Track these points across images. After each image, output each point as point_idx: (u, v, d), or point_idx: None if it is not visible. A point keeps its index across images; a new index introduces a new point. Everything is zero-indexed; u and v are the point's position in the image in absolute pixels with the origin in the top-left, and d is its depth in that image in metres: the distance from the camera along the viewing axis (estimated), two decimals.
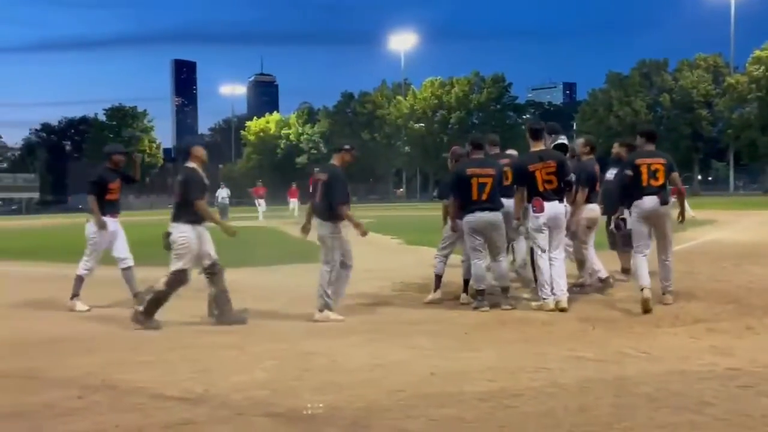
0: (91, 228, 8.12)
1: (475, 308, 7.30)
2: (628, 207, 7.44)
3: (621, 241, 8.26)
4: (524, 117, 79.91)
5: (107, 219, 8.04)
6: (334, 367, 5.06)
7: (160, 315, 6.77)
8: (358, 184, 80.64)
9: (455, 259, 8.28)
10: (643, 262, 7.15)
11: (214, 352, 5.64)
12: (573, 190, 7.68)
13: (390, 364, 5.07)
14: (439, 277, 7.98)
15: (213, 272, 6.87)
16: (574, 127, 74.74)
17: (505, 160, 8.17)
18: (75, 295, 7.91)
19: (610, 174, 8.61)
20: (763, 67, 60.61)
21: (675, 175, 7.46)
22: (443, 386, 4.46)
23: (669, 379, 4.49)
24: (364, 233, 7.16)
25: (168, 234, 6.82)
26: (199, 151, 7.06)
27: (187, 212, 6.79)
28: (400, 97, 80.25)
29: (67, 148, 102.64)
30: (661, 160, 7.36)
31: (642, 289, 6.90)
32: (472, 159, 7.61)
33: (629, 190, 7.32)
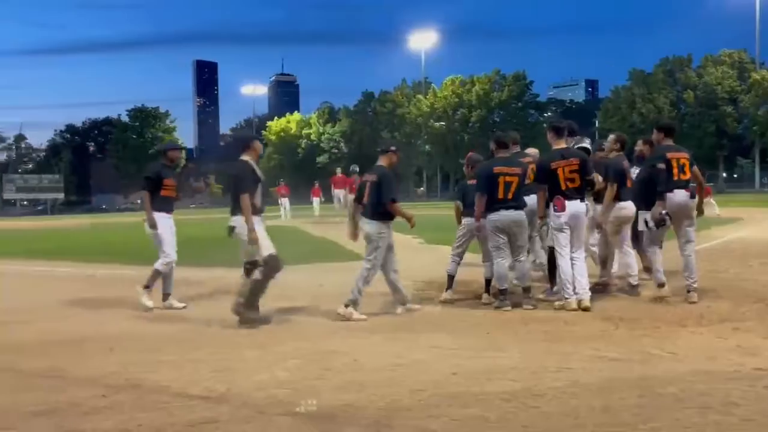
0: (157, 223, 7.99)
1: (497, 308, 7.27)
2: (652, 202, 7.40)
3: (651, 238, 8.13)
4: (545, 115, 79.49)
5: (161, 215, 7.97)
6: (356, 366, 5.06)
7: (174, 317, 6.80)
8: None
9: (476, 258, 8.24)
10: (660, 253, 7.46)
11: (236, 351, 5.67)
12: (596, 188, 7.63)
13: (412, 364, 5.06)
14: (451, 277, 7.96)
15: (254, 268, 6.88)
16: (597, 125, 74.16)
17: (528, 159, 8.15)
18: (146, 286, 7.87)
19: (634, 172, 8.51)
20: None
21: (696, 169, 7.51)
22: (465, 386, 4.44)
23: (695, 380, 4.44)
24: (413, 225, 7.24)
25: (232, 228, 6.86)
26: (258, 145, 7.30)
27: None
28: (420, 96, 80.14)
29: (91, 149, 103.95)
30: (686, 155, 7.47)
31: (659, 278, 7.38)
32: (499, 158, 7.57)
33: (658, 185, 7.28)
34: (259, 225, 6.91)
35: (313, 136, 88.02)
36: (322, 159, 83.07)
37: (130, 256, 14.02)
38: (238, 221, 6.86)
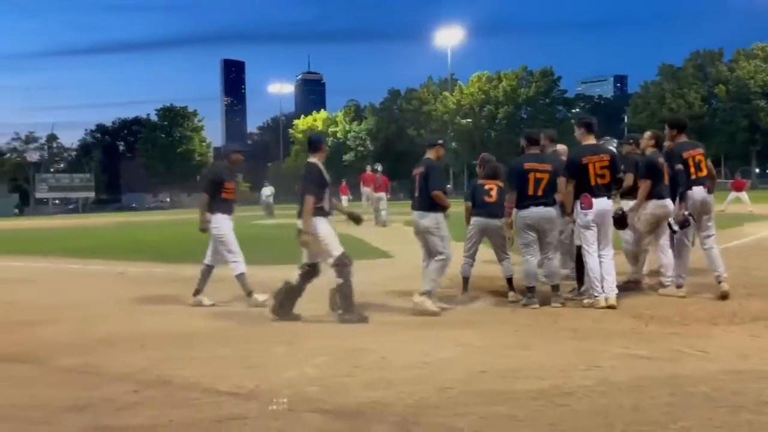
0: (215, 225, 7.95)
1: (525, 305, 7.24)
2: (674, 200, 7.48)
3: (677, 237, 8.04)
4: (573, 111, 78.72)
5: (223, 217, 7.96)
6: (384, 363, 5.07)
7: (204, 314, 6.86)
8: (405, 181, 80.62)
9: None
10: (689, 252, 7.46)
11: (265, 348, 5.71)
12: (624, 186, 7.59)
13: (439, 361, 5.06)
14: (466, 279, 7.96)
15: (314, 271, 6.95)
16: (625, 121, 73.31)
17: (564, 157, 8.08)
18: (249, 292, 7.89)
19: None
20: None
21: (709, 163, 7.60)
22: (493, 384, 4.43)
23: (727, 378, 4.38)
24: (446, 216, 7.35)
25: (299, 231, 6.87)
26: (325, 148, 7.28)
27: (313, 207, 6.80)
28: (446, 93, 79.84)
29: (121, 148, 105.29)
30: (701, 150, 7.52)
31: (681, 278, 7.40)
32: (529, 154, 7.53)
33: (679, 185, 7.33)
34: (326, 225, 6.85)
35: (339, 134, 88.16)
36: (348, 157, 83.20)
37: (159, 254, 14.20)
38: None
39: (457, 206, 8.84)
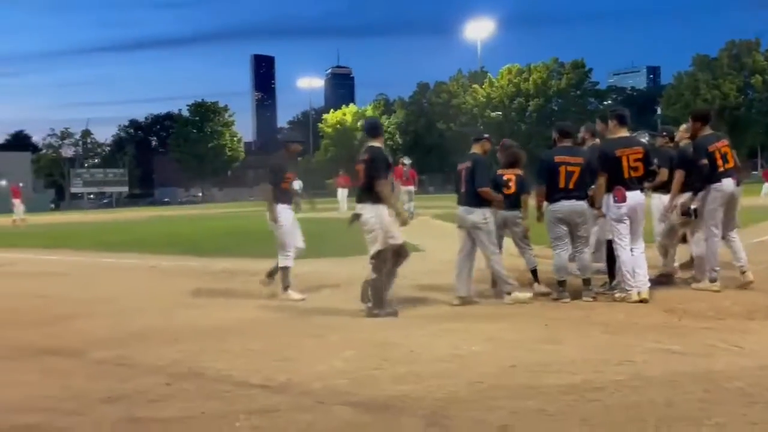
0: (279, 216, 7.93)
1: (556, 299, 7.19)
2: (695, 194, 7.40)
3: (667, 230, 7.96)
4: (605, 103, 77.76)
5: (284, 207, 7.93)
6: (413, 357, 5.07)
7: (236, 308, 6.91)
8: (434, 175, 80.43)
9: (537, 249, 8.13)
10: (718, 245, 7.30)
11: (296, 341, 5.75)
12: (657, 179, 7.49)
13: (469, 355, 5.04)
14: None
15: (401, 253, 6.89)
16: (658, 113, 72.20)
17: None
18: (286, 286, 7.90)
19: None
20: None
21: (734, 153, 7.54)
22: (524, 378, 4.40)
23: (763, 374, 4.31)
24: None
25: (357, 215, 6.87)
26: (383, 132, 7.11)
27: (376, 191, 6.78)
28: (476, 86, 79.41)
29: (153, 143, 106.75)
30: (726, 142, 7.46)
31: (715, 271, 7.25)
32: (561, 147, 7.46)
33: (695, 180, 7.32)
34: (383, 214, 6.78)
35: None
36: None
37: (192, 248, 14.35)
38: (366, 209, 6.80)
39: None
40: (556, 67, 78.13)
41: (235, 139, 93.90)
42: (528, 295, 7.23)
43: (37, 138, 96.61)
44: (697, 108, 9.81)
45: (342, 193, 31.41)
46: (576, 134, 7.96)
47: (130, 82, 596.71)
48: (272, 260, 8.13)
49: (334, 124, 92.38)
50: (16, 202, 28.57)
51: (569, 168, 7.22)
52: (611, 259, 7.32)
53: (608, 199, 7.10)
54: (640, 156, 7.06)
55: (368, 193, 6.84)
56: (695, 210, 7.32)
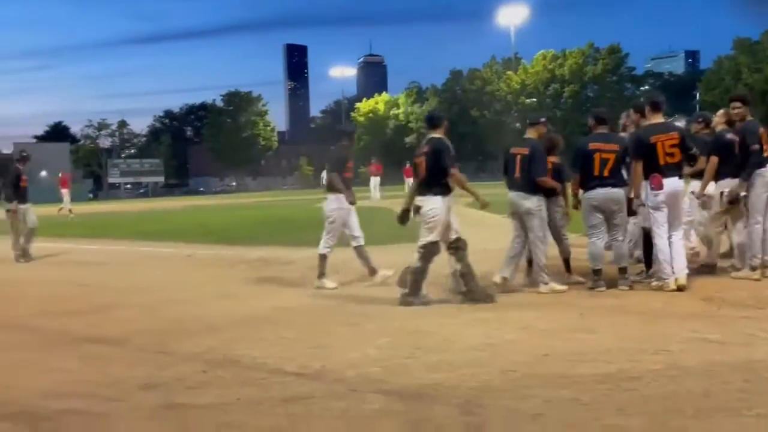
0: (330, 206, 7.99)
1: (591, 288, 7.11)
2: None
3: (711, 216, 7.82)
4: (642, 88, 76.41)
5: (342, 196, 7.93)
6: (446, 345, 5.07)
7: (271, 296, 6.97)
8: (468, 163, 80.00)
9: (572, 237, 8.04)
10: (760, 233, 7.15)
11: (329, 329, 5.79)
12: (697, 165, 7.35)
13: (502, 344, 5.03)
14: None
15: (458, 247, 6.84)
16: (697, 98, 70.74)
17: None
18: (322, 274, 7.94)
19: None
20: None
21: None
22: (558, 367, 4.37)
23: None
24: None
25: (417, 207, 6.88)
26: (446, 124, 7.19)
27: (438, 183, 6.79)
28: (510, 72, 78.67)
29: (188, 133, 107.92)
30: (763, 128, 7.33)
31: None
32: (596, 134, 7.36)
33: (748, 166, 7.15)
34: (444, 206, 6.75)
35: (401, 117, 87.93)
36: (410, 139, 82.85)
37: (227, 237, 14.51)
38: (427, 201, 6.78)
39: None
40: (592, 53, 76.96)
41: (268, 128, 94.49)
42: (564, 286, 7.18)
43: (75, 129, 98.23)
44: (739, 93, 9.55)
45: (374, 181, 31.41)
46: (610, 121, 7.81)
47: (164, 73, 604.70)
48: (306, 249, 8.15)
49: (366, 113, 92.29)
50: (65, 191, 28.67)
51: (603, 155, 7.12)
52: (648, 246, 7.21)
53: (646, 187, 6.98)
54: (675, 142, 6.91)
55: (429, 185, 6.81)
56: (745, 197, 7.12)
